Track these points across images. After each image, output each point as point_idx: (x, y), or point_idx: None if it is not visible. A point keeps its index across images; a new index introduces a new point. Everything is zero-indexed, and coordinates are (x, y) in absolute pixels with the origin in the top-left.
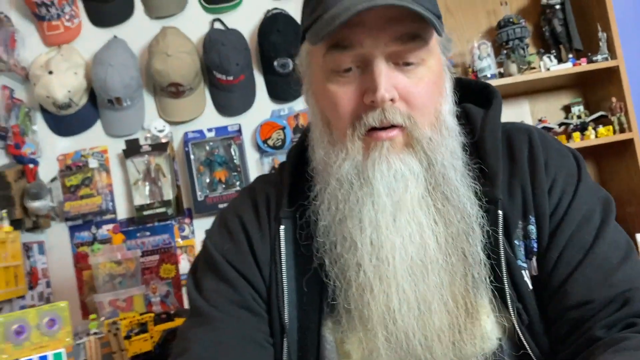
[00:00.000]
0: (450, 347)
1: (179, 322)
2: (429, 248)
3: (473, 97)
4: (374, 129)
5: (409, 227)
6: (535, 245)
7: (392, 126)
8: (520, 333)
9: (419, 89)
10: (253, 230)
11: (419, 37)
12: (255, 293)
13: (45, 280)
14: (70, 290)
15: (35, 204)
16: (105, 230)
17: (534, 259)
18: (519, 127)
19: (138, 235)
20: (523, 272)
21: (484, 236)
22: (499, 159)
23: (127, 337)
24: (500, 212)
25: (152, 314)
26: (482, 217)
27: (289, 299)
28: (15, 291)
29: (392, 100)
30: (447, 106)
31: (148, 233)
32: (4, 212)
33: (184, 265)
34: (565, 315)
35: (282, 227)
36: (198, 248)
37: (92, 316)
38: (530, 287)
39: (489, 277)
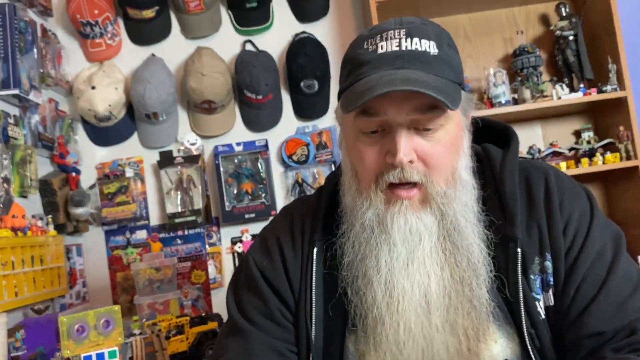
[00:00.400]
0: None
1: (211, 325)
2: (433, 294)
3: (494, 136)
4: (394, 185)
5: (418, 274)
6: (551, 279)
7: (411, 183)
8: (532, 355)
9: (436, 150)
10: (287, 249)
11: (438, 108)
12: (284, 307)
13: (82, 281)
14: (104, 290)
15: (78, 211)
16: (138, 235)
17: (550, 291)
18: (537, 167)
19: (173, 243)
20: (537, 302)
21: (494, 275)
22: (516, 201)
23: (166, 338)
24: (519, 249)
25: (188, 317)
26: (491, 265)
27: (317, 313)
28: (58, 291)
29: (410, 161)
30: (463, 163)
31: (181, 241)
32: (49, 218)
33: (211, 270)
34: (581, 343)
35: (315, 249)
36: (224, 255)
37: (135, 317)
38: (543, 316)
39: (496, 309)
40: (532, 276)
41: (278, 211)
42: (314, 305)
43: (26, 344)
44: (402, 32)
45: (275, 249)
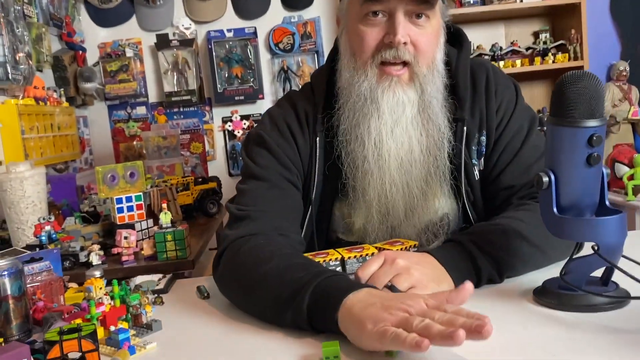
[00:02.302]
0: (419, 214)
1: (211, 184)
2: (414, 152)
3: (449, 37)
4: (386, 63)
5: (402, 137)
6: (484, 150)
7: (401, 63)
8: (467, 206)
9: (424, 38)
10: (298, 137)
11: (428, 2)
12: (299, 175)
13: (89, 149)
14: (108, 158)
15: (87, 85)
16: (138, 111)
17: (482, 159)
18: (480, 64)
19: (174, 117)
20: (474, 167)
21: (450, 147)
22: (467, 89)
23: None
24: (465, 127)
25: (192, 177)
26: (452, 136)
27: (317, 187)
28: (72, 155)
29: (405, 43)
30: (440, 55)
31: (181, 116)
32: (61, 90)
33: (205, 144)
34: (498, 195)
35: (318, 138)
36: (216, 132)
37: (148, 175)
38: (477, 177)
39: (450, 172)
40: (473, 147)
41: (265, 95)
42: (316, 176)
43: (52, 196)
44: None
45: (287, 133)
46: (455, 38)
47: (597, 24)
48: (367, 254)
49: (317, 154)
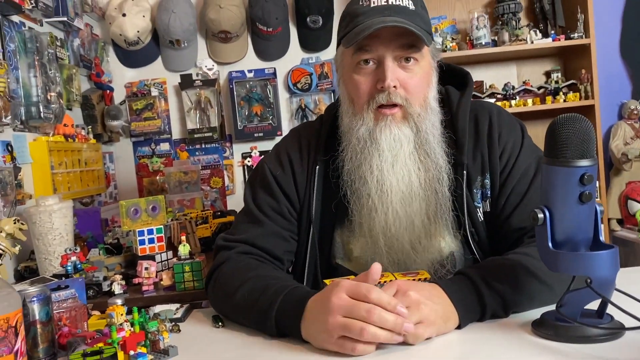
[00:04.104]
0: (424, 249)
1: (229, 218)
2: (414, 185)
3: (456, 79)
4: (382, 106)
5: (402, 172)
6: (489, 192)
7: (394, 105)
8: (473, 246)
9: (414, 80)
10: (296, 165)
11: (415, 47)
12: (290, 206)
13: (113, 183)
14: (132, 192)
15: (113, 123)
16: (162, 147)
17: (487, 201)
18: (484, 107)
19: (196, 154)
20: (477, 209)
21: (451, 182)
22: (466, 134)
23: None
24: (465, 171)
25: (211, 211)
26: (451, 171)
27: (316, 213)
28: (98, 189)
29: (395, 87)
30: (432, 93)
31: (202, 152)
32: (89, 128)
33: (225, 179)
34: (509, 236)
35: (317, 167)
36: (236, 167)
37: (169, 209)
38: (482, 219)
39: (453, 210)
40: (475, 190)
41: (283, 132)
42: (314, 206)
43: (78, 228)
44: None
45: (286, 162)
46: (461, 79)
47: (607, 64)
48: (384, 281)
49: (316, 182)
